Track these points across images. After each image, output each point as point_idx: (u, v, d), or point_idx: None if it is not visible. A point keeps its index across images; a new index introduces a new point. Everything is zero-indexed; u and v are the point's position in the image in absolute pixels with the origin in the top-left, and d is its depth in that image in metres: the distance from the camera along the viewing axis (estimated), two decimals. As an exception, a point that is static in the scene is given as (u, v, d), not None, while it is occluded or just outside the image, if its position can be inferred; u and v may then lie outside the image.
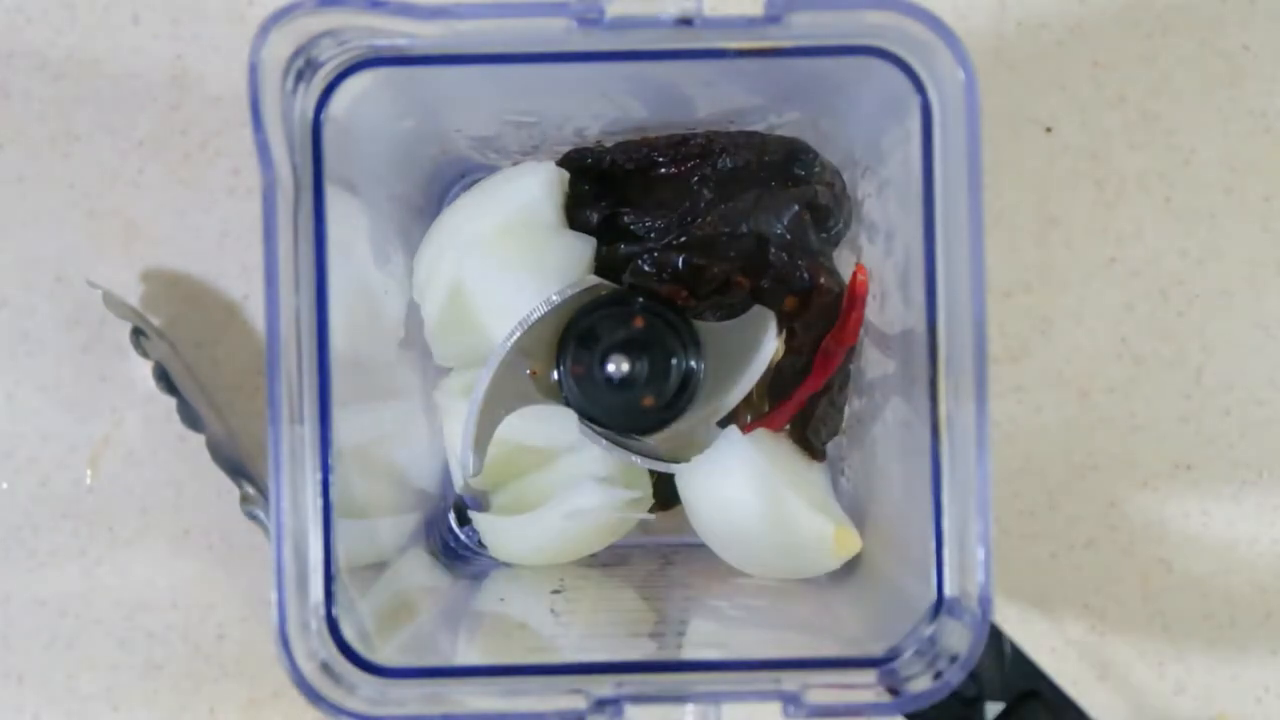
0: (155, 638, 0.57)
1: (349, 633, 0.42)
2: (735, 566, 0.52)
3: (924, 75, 0.42)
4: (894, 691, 0.41)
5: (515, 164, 0.54)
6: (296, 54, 0.41)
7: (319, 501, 0.42)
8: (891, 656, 0.42)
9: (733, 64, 0.43)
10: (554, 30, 0.41)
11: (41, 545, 0.57)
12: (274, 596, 0.40)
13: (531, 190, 0.51)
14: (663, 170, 0.52)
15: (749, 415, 0.53)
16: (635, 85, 0.49)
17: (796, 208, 0.51)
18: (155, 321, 0.57)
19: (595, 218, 0.52)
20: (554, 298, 0.50)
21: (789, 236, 0.51)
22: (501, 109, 0.51)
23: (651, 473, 0.53)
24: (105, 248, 0.57)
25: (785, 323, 0.52)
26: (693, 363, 0.51)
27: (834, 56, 0.43)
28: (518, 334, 0.50)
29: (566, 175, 0.52)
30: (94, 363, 0.57)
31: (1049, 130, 0.58)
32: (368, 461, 0.47)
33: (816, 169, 0.52)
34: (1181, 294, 0.58)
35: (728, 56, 0.43)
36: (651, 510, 0.53)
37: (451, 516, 0.56)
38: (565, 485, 0.52)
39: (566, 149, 0.53)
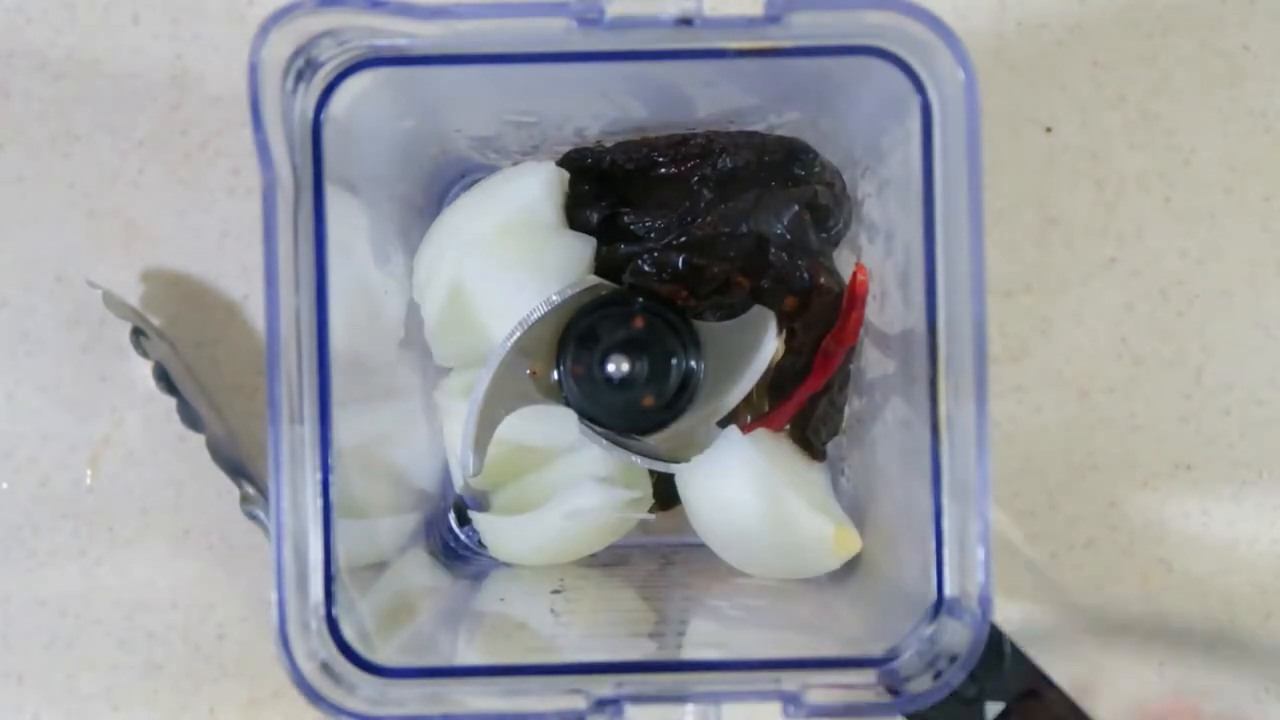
0: (155, 638, 0.57)
1: (349, 633, 0.42)
2: (735, 566, 0.52)
3: (924, 75, 0.42)
4: (894, 691, 0.41)
5: (515, 164, 0.54)
6: (296, 54, 0.41)
7: (319, 501, 0.42)
8: (891, 656, 0.42)
9: (733, 64, 0.43)
10: (554, 30, 0.41)
11: (41, 545, 0.57)
12: (274, 596, 0.40)
13: (531, 190, 0.51)
14: (663, 170, 0.52)
15: (749, 415, 0.53)
16: (635, 85, 0.49)
17: (796, 208, 0.51)
18: (155, 321, 0.57)
19: (595, 218, 0.52)
20: (554, 298, 0.50)
21: (789, 236, 0.51)
22: (501, 109, 0.51)
23: (651, 473, 0.53)
24: (105, 248, 0.57)
25: (785, 323, 0.52)
26: (693, 363, 0.51)
27: (834, 56, 0.43)
28: (518, 334, 0.50)
29: (566, 175, 0.52)
30: (94, 363, 0.57)
31: (1049, 130, 0.58)
32: (368, 461, 0.47)
33: (816, 169, 0.52)
34: (1181, 294, 0.58)
35: (728, 56, 0.43)
36: (651, 510, 0.53)
37: (451, 516, 0.56)
38: (565, 485, 0.52)
39: (566, 149, 0.53)
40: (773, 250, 0.51)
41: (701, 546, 0.53)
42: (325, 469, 0.42)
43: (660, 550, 0.56)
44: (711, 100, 0.50)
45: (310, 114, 0.42)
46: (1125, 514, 0.57)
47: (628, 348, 0.50)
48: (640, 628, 0.51)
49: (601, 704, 0.41)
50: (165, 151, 0.57)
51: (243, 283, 0.57)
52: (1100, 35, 0.58)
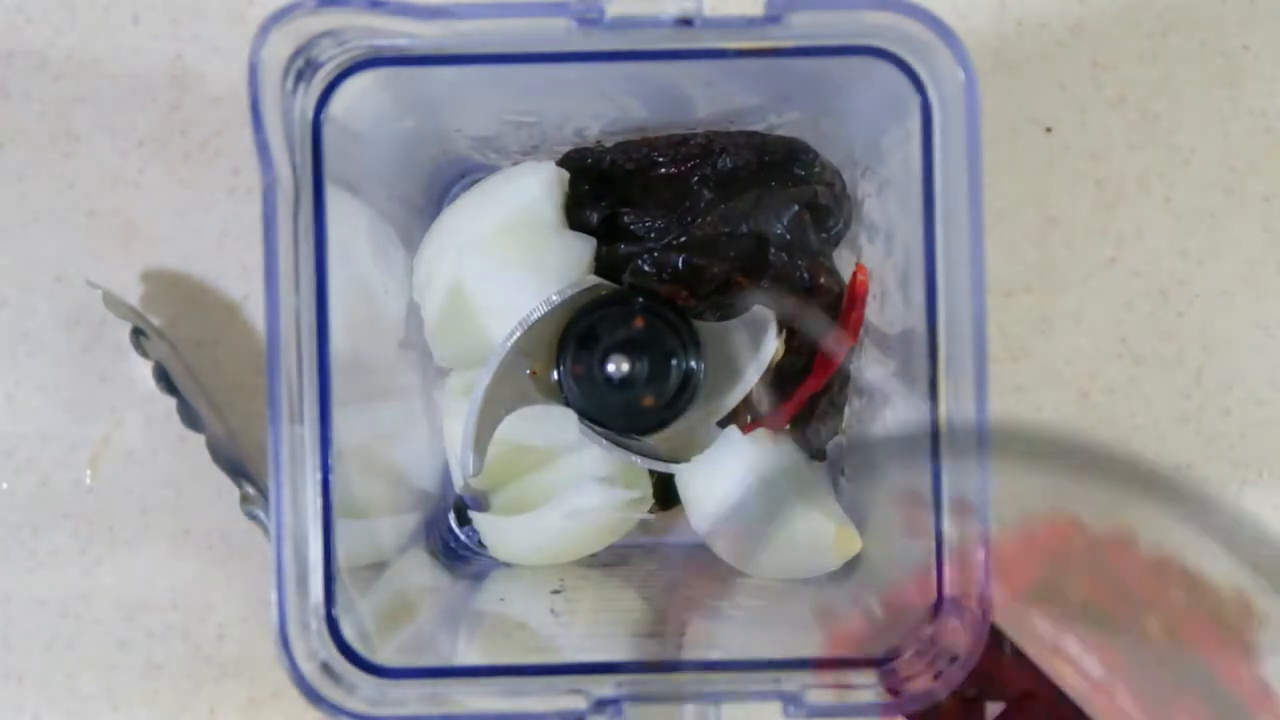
0: (155, 638, 0.57)
1: (349, 633, 0.42)
2: (735, 566, 0.52)
3: (924, 75, 0.42)
4: (894, 691, 0.41)
5: (515, 164, 0.54)
6: (296, 54, 0.41)
7: (319, 501, 0.42)
8: (891, 656, 0.42)
9: (733, 64, 0.43)
10: (554, 30, 0.41)
11: (41, 545, 0.57)
12: (274, 596, 0.40)
13: (531, 190, 0.51)
14: (663, 170, 0.52)
15: (749, 415, 0.53)
16: (635, 85, 0.49)
17: (796, 208, 0.51)
18: (155, 321, 0.57)
19: (595, 218, 0.52)
20: (554, 298, 0.50)
21: (789, 236, 0.51)
22: (501, 109, 0.51)
23: (651, 473, 0.53)
24: (105, 248, 0.57)
25: (785, 323, 0.52)
26: (693, 363, 0.51)
27: (834, 56, 0.43)
28: (518, 334, 0.50)
29: (566, 175, 0.52)
30: (94, 363, 0.57)
31: (1049, 130, 0.58)
32: (368, 461, 0.47)
33: (816, 169, 0.52)
34: (1181, 294, 0.58)
35: (728, 56, 0.43)
36: (651, 510, 0.53)
37: (451, 516, 0.56)
38: (565, 485, 0.52)
39: (566, 149, 0.53)
40: (773, 250, 0.51)
41: (701, 546, 0.53)
42: (325, 469, 0.42)
43: (660, 550, 0.56)
44: (711, 100, 0.50)
45: (310, 114, 0.42)
46: (1125, 514, 0.57)
47: (628, 348, 0.50)
48: (640, 628, 0.51)
49: (601, 704, 0.41)
50: (165, 151, 0.57)
51: (243, 283, 0.57)
52: (1100, 35, 0.58)
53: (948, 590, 0.42)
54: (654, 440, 0.51)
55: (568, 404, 0.51)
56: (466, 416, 0.50)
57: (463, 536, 0.56)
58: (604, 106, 0.51)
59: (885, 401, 0.49)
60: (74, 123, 0.57)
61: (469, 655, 0.49)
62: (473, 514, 0.54)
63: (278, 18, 0.40)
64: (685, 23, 0.41)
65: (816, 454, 0.54)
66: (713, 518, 0.52)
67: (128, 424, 0.57)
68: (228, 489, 0.55)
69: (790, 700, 0.40)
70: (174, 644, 0.57)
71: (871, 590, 0.50)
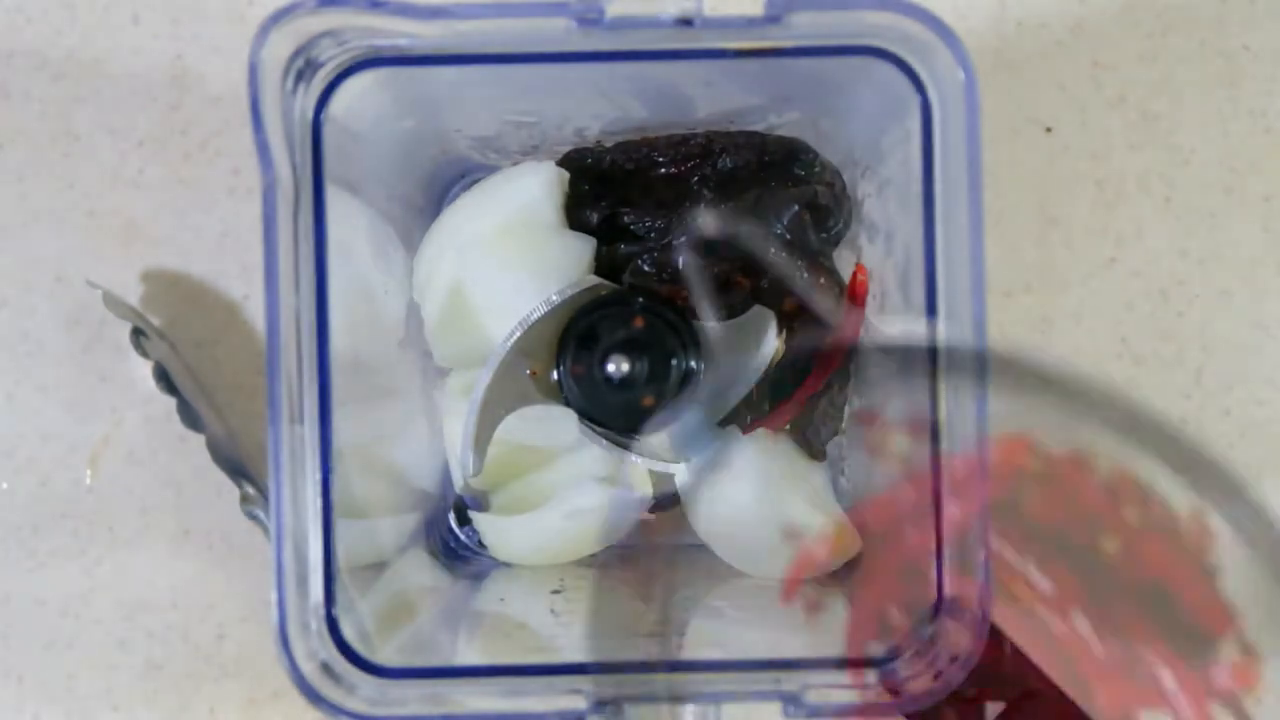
0: (155, 638, 0.57)
1: (349, 633, 0.42)
2: (735, 566, 0.52)
3: (924, 75, 0.42)
4: (894, 691, 0.41)
5: (515, 164, 0.54)
6: (296, 54, 0.41)
7: (319, 501, 0.42)
8: (891, 656, 0.42)
9: (733, 64, 0.43)
10: (554, 30, 0.41)
11: (41, 545, 0.57)
12: (274, 596, 0.40)
13: (531, 190, 0.51)
14: (663, 170, 0.52)
15: (749, 415, 0.53)
16: (635, 85, 0.49)
17: (796, 208, 0.51)
18: (155, 321, 0.57)
19: (595, 218, 0.52)
20: (554, 298, 0.50)
21: (789, 236, 0.51)
22: (501, 109, 0.51)
23: (651, 473, 0.53)
24: (105, 248, 0.57)
25: (785, 323, 0.52)
26: (693, 363, 0.51)
27: (834, 56, 0.43)
28: (518, 334, 0.50)
29: (566, 175, 0.52)
30: (94, 363, 0.57)
31: (1049, 130, 0.58)
32: (368, 461, 0.47)
33: (816, 169, 0.52)
34: (1181, 294, 0.58)
35: (728, 56, 0.43)
36: (651, 510, 0.53)
37: (451, 516, 0.56)
38: (565, 485, 0.52)
39: (566, 149, 0.53)
40: (773, 250, 0.51)
41: (701, 546, 0.53)
42: (325, 469, 0.42)
43: (660, 550, 0.56)
44: (711, 100, 0.50)
45: (310, 114, 0.42)
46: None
47: (628, 348, 0.50)
48: (640, 628, 0.51)
49: (601, 704, 0.41)
50: (165, 151, 0.57)
51: (243, 283, 0.57)
52: (1100, 35, 0.58)
53: (948, 590, 0.42)
54: (654, 440, 0.51)
55: (568, 404, 0.51)
56: (466, 416, 0.50)
57: (463, 536, 0.56)
58: (604, 106, 0.51)
59: (885, 401, 0.49)
60: (74, 123, 0.57)
61: (469, 655, 0.49)
62: (473, 514, 0.54)
63: (278, 18, 0.40)
64: (685, 23, 0.41)
65: (816, 454, 0.54)
66: (713, 518, 0.52)
67: (128, 424, 0.57)
68: (228, 489, 0.55)
69: (790, 700, 0.40)
70: (174, 644, 0.57)
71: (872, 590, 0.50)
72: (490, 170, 0.54)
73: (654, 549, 0.56)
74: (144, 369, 0.55)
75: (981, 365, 0.39)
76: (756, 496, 0.50)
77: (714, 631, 0.51)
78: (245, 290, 0.57)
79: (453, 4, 0.40)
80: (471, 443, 0.50)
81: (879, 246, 0.50)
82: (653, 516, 0.54)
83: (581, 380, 0.50)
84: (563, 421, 0.51)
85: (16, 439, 0.57)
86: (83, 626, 0.57)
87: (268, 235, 0.40)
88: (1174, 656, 0.40)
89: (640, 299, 0.51)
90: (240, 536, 0.57)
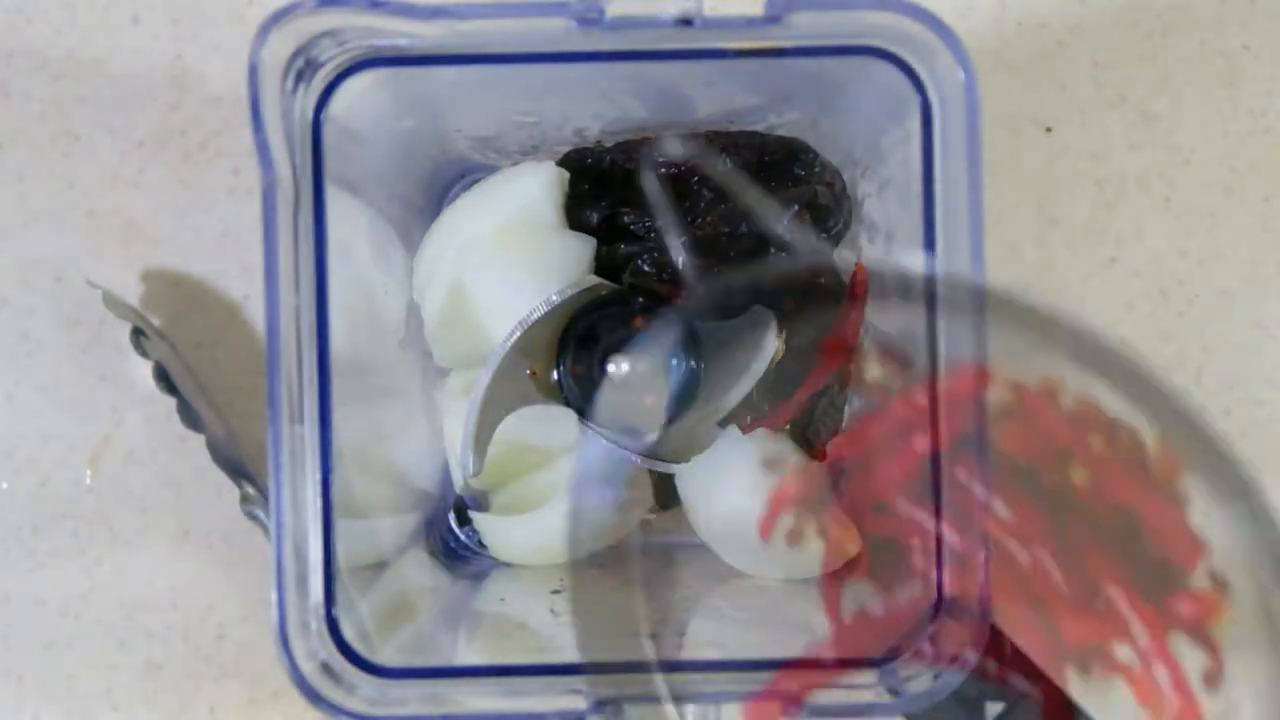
0: (155, 638, 0.57)
1: (349, 633, 0.42)
2: (735, 566, 0.52)
3: (924, 75, 0.42)
4: (894, 692, 0.41)
5: (515, 164, 0.54)
6: (296, 54, 0.41)
7: (319, 501, 0.42)
8: (891, 656, 0.42)
9: (733, 64, 0.43)
10: (554, 30, 0.41)
11: (41, 545, 0.57)
12: (274, 596, 0.40)
13: (531, 190, 0.51)
14: (663, 170, 0.52)
15: (749, 415, 0.53)
16: (635, 85, 0.49)
17: (796, 208, 0.51)
18: (155, 321, 0.57)
19: (595, 218, 0.52)
20: (554, 298, 0.50)
21: (789, 236, 0.51)
22: (501, 109, 0.51)
23: (651, 473, 0.53)
24: (105, 248, 0.57)
25: (785, 323, 0.52)
26: (693, 363, 0.51)
27: (834, 56, 0.43)
28: (518, 334, 0.50)
29: (566, 175, 0.52)
30: (94, 363, 0.57)
31: (1049, 130, 0.58)
32: (368, 461, 0.47)
33: (816, 169, 0.52)
34: (1181, 294, 0.58)
35: (728, 56, 0.43)
36: (651, 510, 0.53)
37: (451, 516, 0.56)
38: (565, 485, 0.52)
39: (566, 149, 0.53)
40: (773, 250, 0.51)
41: (701, 546, 0.53)
42: (325, 469, 0.42)
43: (660, 550, 0.56)
44: (711, 100, 0.50)
45: (310, 114, 0.42)
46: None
47: (628, 348, 0.50)
48: (640, 628, 0.51)
49: (601, 704, 0.41)
50: (165, 151, 0.57)
51: (243, 283, 0.57)
52: (1100, 35, 0.58)
53: (948, 590, 0.42)
54: (654, 440, 0.51)
55: (568, 404, 0.51)
56: (466, 416, 0.50)
57: (463, 536, 0.56)
58: (604, 106, 0.51)
59: (885, 401, 0.49)
60: (74, 123, 0.57)
61: (469, 655, 0.49)
62: (473, 514, 0.54)
63: (278, 18, 0.40)
64: (685, 23, 0.41)
65: (816, 454, 0.54)
66: (713, 518, 0.52)
67: (128, 424, 0.57)
68: (228, 489, 0.55)
69: (790, 700, 0.40)
70: (174, 644, 0.57)
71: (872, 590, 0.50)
72: (490, 170, 0.54)
73: (654, 549, 0.56)
74: (144, 369, 0.55)
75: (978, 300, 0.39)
76: (757, 496, 0.50)
77: (714, 631, 0.51)
78: (245, 290, 0.57)
79: (453, 4, 0.40)
80: (471, 443, 0.50)
81: (879, 246, 0.50)
82: (653, 516, 0.54)
83: (581, 380, 0.50)
84: (563, 421, 0.51)
85: (16, 439, 0.57)
86: (83, 626, 0.57)
87: (268, 235, 0.40)
88: (1135, 588, 0.40)
89: (640, 299, 0.51)
90: (240, 536, 0.57)
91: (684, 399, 0.51)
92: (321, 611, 0.42)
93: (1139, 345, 0.58)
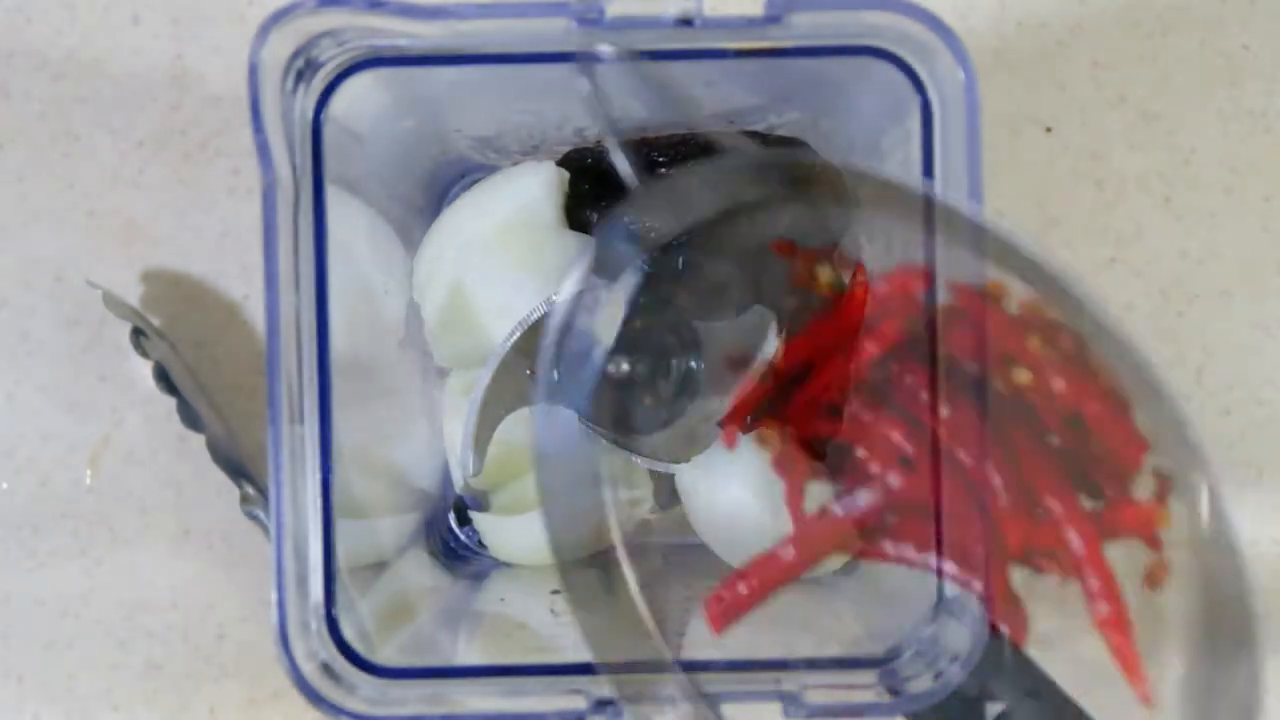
0: (155, 638, 0.57)
1: (349, 633, 0.42)
2: (735, 566, 0.52)
3: (924, 75, 0.42)
4: (894, 691, 0.41)
5: (515, 164, 0.54)
6: (296, 54, 0.41)
7: (319, 501, 0.42)
8: (891, 656, 0.42)
9: (733, 64, 0.43)
10: (554, 30, 0.41)
11: (41, 545, 0.57)
12: (274, 596, 0.40)
13: (531, 190, 0.51)
14: (663, 170, 0.52)
15: (749, 415, 0.53)
16: (635, 85, 0.49)
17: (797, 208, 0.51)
18: (155, 321, 0.57)
19: (595, 218, 0.52)
20: (554, 298, 0.50)
21: (789, 236, 0.51)
22: (501, 109, 0.51)
23: (651, 473, 0.53)
24: (105, 248, 0.57)
25: (785, 323, 0.52)
26: (693, 363, 0.51)
27: (834, 56, 0.43)
28: (518, 334, 0.50)
29: (566, 175, 0.52)
30: (94, 363, 0.57)
31: (1049, 130, 0.58)
32: (368, 461, 0.47)
33: (817, 169, 0.52)
34: (1181, 294, 0.58)
35: (728, 56, 0.43)
36: (651, 510, 0.53)
37: (451, 516, 0.56)
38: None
39: (566, 149, 0.53)
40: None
41: (701, 546, 0.53)
42: (325, 469, 0.42)
43: (660, 550, 0.56)
44: (711, 100, 0.50)
45: (310, 114, 0.42)
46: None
47: (628, 348, 0.50)
48: (640, 628, 0.50)
49: (601, 704, 0.41)
50: (165, 151, 0.57)
51: (243, 283, 0.57)
52: (1100, 35, 0.58)
53: (948, 590, 0.42)
54: (654, 440, 0.51)
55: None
56: (466, 416, 0.50)
57: (463, 536, 0.56)
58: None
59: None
60: (74, 123, 0.57)
61: (469, 655, 0.49)
62: (473, 514, 0.54)
63: (278, 18, 0.40)
64: (685, 23, 0.41)
65: (817, 454, 0.54)
66: (713, 518, 0.52)
67: (128, 424, 0.57)
68: (228, 489, 0.55)
69: (790, 700, 0.40)
70: (174, 644, 0.57)
71: (872, 590, 0.50)
72: (490, 170, 0.54)
73: (654, 549, 0.56)
74: (144, 369, 0.55)
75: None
76: (756, 496, 0.50)
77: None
78: (245, 290, 0.57)
79: (453, 4, 0.40)
80: (471, 443, 0.50)
81: (879, 246, 0.50)
82: (653, 516, 0.54)
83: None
84: (562, 421, 0.51)
85: (16, 439, 0.57)
86: (83, 626, 0.57)
87: (268, 235, 0.40)
88: (1075, 496, 0.40)
89: (640, 299, 0.51)
90: (240, 536, 0.57)
91: (684, 399, 0.51)
92: (321, 611, 0.42)
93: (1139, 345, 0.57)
